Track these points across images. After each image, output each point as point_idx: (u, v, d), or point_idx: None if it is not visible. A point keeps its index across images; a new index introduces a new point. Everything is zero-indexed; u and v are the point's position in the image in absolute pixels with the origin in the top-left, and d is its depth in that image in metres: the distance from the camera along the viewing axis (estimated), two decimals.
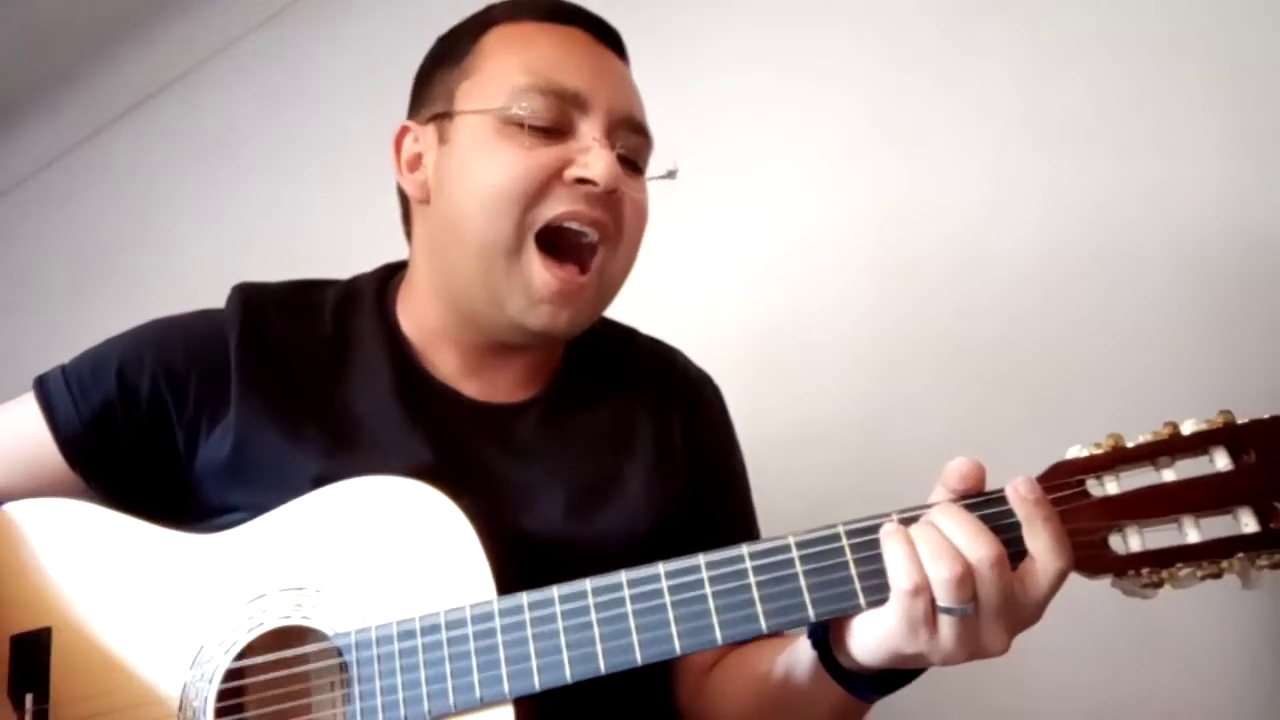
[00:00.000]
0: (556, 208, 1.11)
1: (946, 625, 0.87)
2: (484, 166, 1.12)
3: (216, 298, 1.23)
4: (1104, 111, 1.70)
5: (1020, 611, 0.88)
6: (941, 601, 0.86)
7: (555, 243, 1.13)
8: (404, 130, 1.23)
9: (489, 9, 1.23)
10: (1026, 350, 1.70)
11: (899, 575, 0.87)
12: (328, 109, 2.62)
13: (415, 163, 1.21)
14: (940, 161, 1.83)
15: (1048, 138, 1.74)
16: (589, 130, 1.13)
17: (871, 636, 0.90)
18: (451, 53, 1.21)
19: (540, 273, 1.12)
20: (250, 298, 1.21)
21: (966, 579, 0.85)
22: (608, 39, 1.22)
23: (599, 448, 1.21)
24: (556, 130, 1.12)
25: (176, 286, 1.63)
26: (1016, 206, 1.75)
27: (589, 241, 1.14)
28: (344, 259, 1.36)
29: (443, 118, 1.18)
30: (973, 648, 0.88)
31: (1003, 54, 1.80)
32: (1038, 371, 1.69)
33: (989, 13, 1.82)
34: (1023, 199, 1.75)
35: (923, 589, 0.86)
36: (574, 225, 1.12)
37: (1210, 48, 1.63)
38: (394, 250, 1.31)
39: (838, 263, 1.89)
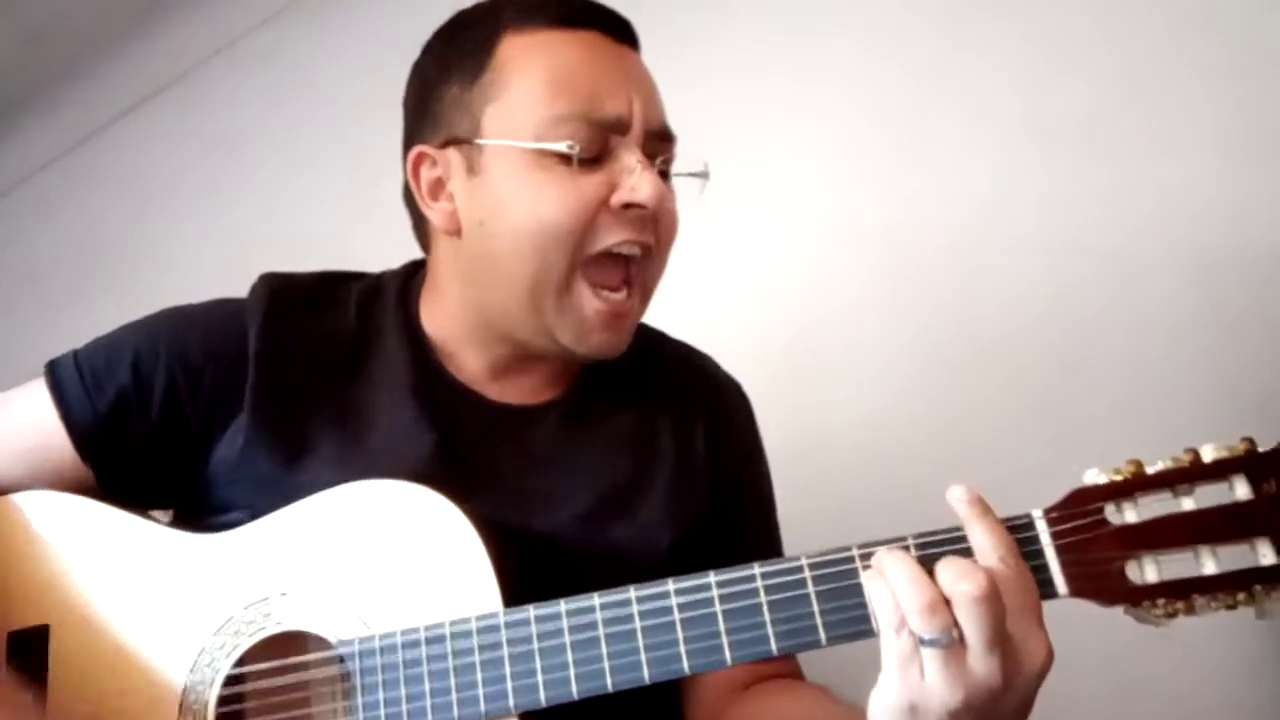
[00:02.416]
0: (608, 238, 1.09)
1: (931, 660, 0.83)
2: (532, 204, 1.08)
3: (217, 296, 1.21)
4: (1107, 112, 1.70)
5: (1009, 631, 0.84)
6: (921, 634, 0.83)
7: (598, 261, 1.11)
8: (420, 156, 1.16)
9: (493, 10, 1.16)
10: (1032, 349, 1.71)
11: (882, 611, 0.85)
12: (327, 108, 2.62)
13: (437, 190, 1.16)
14: (944, 164, 1.83)
15: (1052, 139, 1.74)
16: (629, 153, 1.10)
17: (879, 701, 0.87)
18: (461, 66, 1.14)
19: (591, 302, 1.10)
20: (275, 291, 1.18)
21: (938, 605, 0.82)
22: (625, 35, 1.17)
23: (619, 453, 1.19)
24: (596, 157, 1.09)
25: (177, 286, 1.60)
26: (1020, 208, 1.75)
27: (633, 257, 1.12)
28: (345, 258, 1.34)
29: (466, 144, 1.12)
30: (966, 681, 0.83)
31: (1006, 56, 1.81)
32: (1044, 371, 1.70)
33: (991, 14, 1.83)
34: (1027, 200, 1.75)
35: (903, 623, 0.84)
36: (623, 250, 1.11)
37: (1211, 47, 1.64)
38: (395, 249, 1.29)
39: (843, 267, 1.89)
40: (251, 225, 2.63)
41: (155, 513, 1.15)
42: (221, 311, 1.18)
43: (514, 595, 0.99)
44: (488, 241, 1.12)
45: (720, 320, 1.91)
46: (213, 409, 1.12)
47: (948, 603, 0.83)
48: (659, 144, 1.14)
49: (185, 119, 2.87)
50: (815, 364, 1.88)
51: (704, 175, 1.20)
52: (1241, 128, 1.59)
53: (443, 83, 1.16)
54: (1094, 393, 1.65)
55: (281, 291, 1.19)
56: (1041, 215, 1.73)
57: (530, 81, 1.10)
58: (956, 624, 0.82)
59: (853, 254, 1.89)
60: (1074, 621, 1.30)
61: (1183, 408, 1.56)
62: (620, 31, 1.17)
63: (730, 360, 1.35)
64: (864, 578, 0.88)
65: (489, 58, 1.13)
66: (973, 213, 1.79)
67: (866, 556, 0.91)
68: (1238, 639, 1.50)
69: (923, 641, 0.83)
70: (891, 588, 0.85)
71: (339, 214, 2.44)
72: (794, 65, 2.00)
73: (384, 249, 1.30)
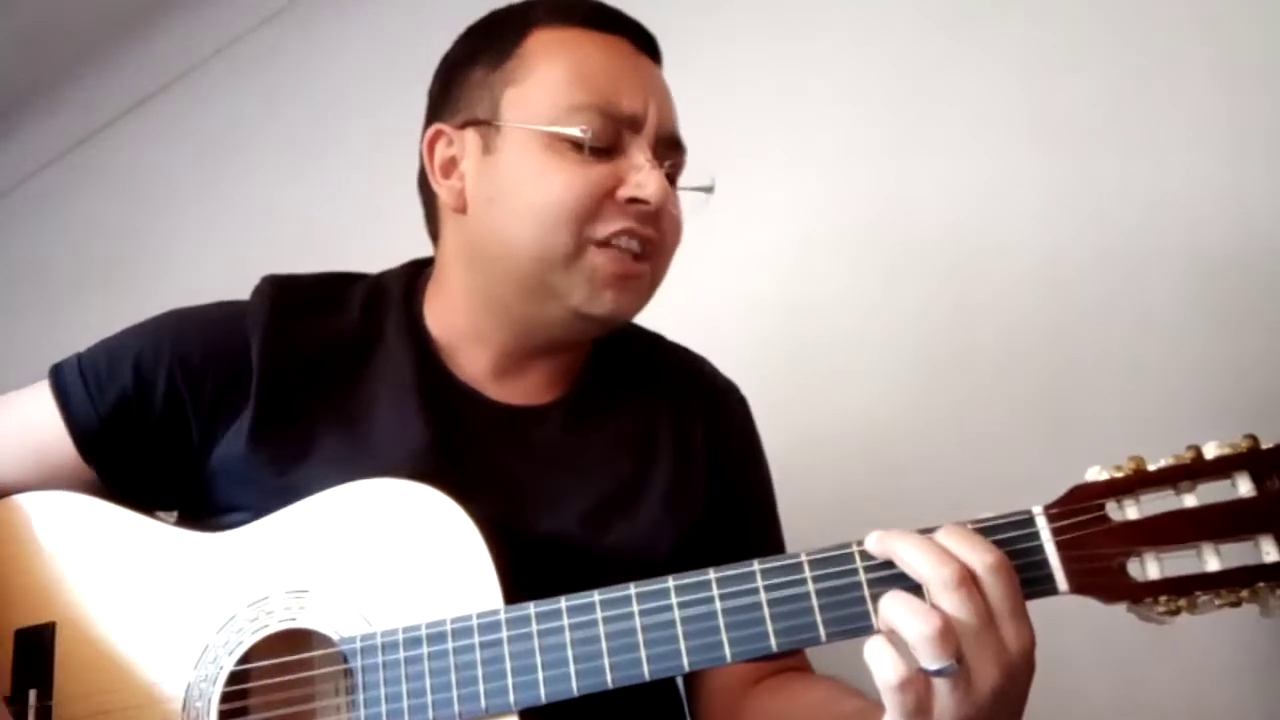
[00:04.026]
0: (610, 225, 1.10)
1: (941, 688, 0.83)
2: (539, 184, 1.10)
3: (216, 297, 1.21)
4: (1108, 110, 1.70)
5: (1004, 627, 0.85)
6: (928, 665, 0.82)
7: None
8: (437, 133, 1.18)
9: (527, 7, 1.20)
10: (1031, 348, 1.70)
11: (882, 671, 0.83)
12: (327, 109, 2.62)
13: (449, 168, 1.17)
14: (944, 161, 1.83)
15: (1051, 137, 1.74)
16: (639, 150, 1.12)
17: None
18: (488, 52, 1.17)
19: (604, 261, 1.11)
20: (279, 292, 1.19)
21: (949, 633, 0.81)
22: (648, 47, 1.21)
23: (619, 455, 1.19)
24: (608, 149, 1.11)
25: (176, 286, 1.61)
26: (1020, 206, 1.75)
27: (636, 254, 1.13)
28: (344, 259, 1.34)
29: (484, 125, 1.15)
30: (977, 693, 0.83)
31: (1006, 54, 1.81)
32: (1042, 369, 1.69)
33: (992, 12, 1.83)
34: (1026, 198, 1.75)
35: (910, 681, 0.82)
36: (623, 242, 1.11)
37: (1212, 46, 1.63)
38: (392, 249, 1.30)
39: (843, 264, 1.89)
40: (251, 225, 2.64)
41: (160, 513, 1.15)
42: (223, 313, 1.18)
43: (514, 596, 0.99)
44: (493, 219, 1.13)
45: (714, 314, 1.91)
46: (214, 410, 1.12)
47: (952, 630, 0.82)
48: (669, 151, 1.16)
49: (185, 119, 2.87)
50: (814, 364, 1.88)
51: (709, 189, 1.23)
52: (1242, 127, 1.59)
53: (467, 67, 1.19)
54: (1093, 392, 1.64)
55: (285, 293, 1.19)
56: (1041, 214, 1.73)
57: (552, 71, 1.13)
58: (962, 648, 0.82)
59: (851, 250, 1.89)
60: (1077, 624, 1.31)
61: (1183, 407, 1.55)
62: (646, 43, 1.21)
63: (729, 360, 1.36)
64: (865, 647, 0.85)
65: (516, 47, 1.16)
66: (972, 212, 1.79)
67: (867, 554, 0.90)
68: (1243, 642, 1.50)
69: (932, 673, 0.82)
70: (896, 624, 0.84)
71: (338, 214, 2.45)
72: (794, 59, 2.00)
73: (383, 249, 1.30)
